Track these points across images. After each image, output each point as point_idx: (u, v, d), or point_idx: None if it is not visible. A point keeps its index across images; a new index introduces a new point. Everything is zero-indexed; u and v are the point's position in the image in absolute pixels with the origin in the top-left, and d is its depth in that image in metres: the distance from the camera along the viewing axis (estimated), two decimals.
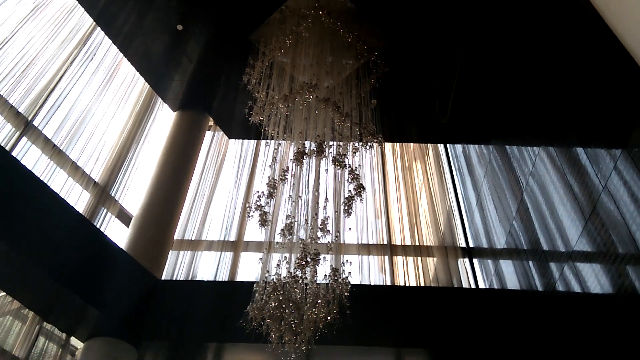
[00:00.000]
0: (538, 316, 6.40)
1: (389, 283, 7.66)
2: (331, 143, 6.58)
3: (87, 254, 6.31)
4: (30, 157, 6.42)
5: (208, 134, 9.64)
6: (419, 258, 7.92)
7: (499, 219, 7.62)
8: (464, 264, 7.89)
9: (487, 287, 7.66)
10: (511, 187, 7.21)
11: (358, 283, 7.36)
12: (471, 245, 8.27)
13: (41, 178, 6.24)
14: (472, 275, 7.88)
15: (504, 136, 7.65)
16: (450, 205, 9.01)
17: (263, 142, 6.81)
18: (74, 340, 6.48)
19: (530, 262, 6.76)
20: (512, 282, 7.18)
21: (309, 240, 5.58)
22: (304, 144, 6.39)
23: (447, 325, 6.66)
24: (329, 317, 5.10)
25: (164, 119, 9.22)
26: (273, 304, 5.11)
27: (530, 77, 6.69)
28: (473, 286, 7.75)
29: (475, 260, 8.08)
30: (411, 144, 10.07)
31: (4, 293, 5.83)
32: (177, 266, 7.65)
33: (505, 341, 6.47)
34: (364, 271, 7.73)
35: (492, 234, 7.87)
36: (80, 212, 6.73)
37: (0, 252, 5.45)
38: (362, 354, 6.81)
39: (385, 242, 8.18)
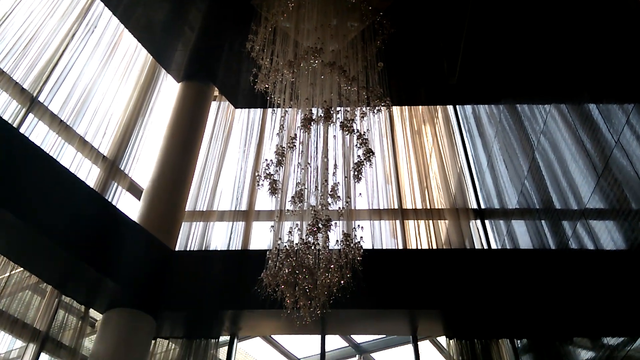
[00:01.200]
0: (551, 274, 6.41)
1: (401, 247, 7.67)
2: (338, 108, 6.49)
3: (100, 227, 6.36)
4: (38, 133, 6.41)
5: (214, 104, 9.55)
6: (431, 221, 7.90)
7: (510, 179, 7.56)
8: (476, 225, 7.87)
9: (500, 247, 7.66)
10: (522, 146, 7.12)
11: (370, 248, 7.38)
12: (483, 206, 8.24)
13: (50, 154, 6.25)
14: (484, 236, 7.87)
15: (514, 95, 7.52)
16: (460, 167, 8.95)
17: (269, 110, 6.73)
18: (93, 312, 6.60)
19: (543, 221, 6.73)
20: (525, 241, 7.17)
21: (320, 207, 5.56)
22: (311, 110, 6.31)
23: (461, 286, 6.67)
24: (342, 282, 5.11)
25: (169, 90, 9.14)
26: (286, 270, 5.13)
27: (540, 33, 6.52)
28: (485, 247, 7.74)
29: (487, 222, 8.06)
30: (420, 107, 9.93)
31: (22, 268, 5.90)
32: (190, 237, 7.70)
33: (519, 300, 6.49)
34: (376, 236, 7.75)
35: (503, 195, 7.82)
36: (91, 186, 6.75)
37: (14, 227, 5.50)
38: (377, 316, 6.88)
39: (396, 207, 8.16)
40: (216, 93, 9.66)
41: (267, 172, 5.87)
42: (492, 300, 6.54)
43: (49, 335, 6.01)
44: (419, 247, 7.71)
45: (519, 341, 6.80)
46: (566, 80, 5.89)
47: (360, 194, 6.37)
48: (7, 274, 5.73)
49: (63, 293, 6.31)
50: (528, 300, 6.45)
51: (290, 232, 5.48)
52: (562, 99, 5.99)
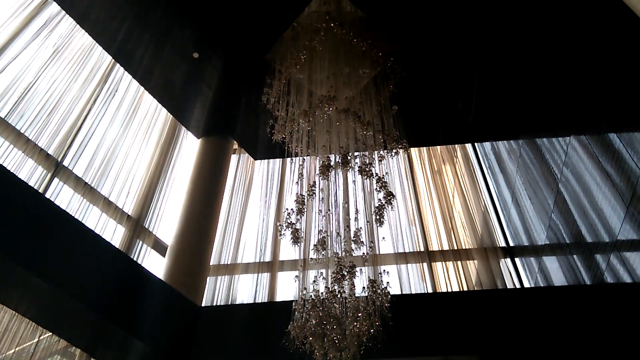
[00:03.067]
0: (588, 310, 6.16)
1: (430, 290, 7.49)
2: (356, 153, 6.52)
3: (127, 287, 6.38)
4: (63, 196, 6.56)
5: (234, 158, 9.69)
6: (459, 262, 7.74)
7: (537, 213, 7.41)
8: (506, 264, 7.67)
9: (533, 285, 7.43)
10: (546, 179, 7.01)
11: (398, 293, 7.23)
12: (511, 244, 8.05)
13: (76, 216, 6.36)
14: (515, 275, 7.65)
15: (533, 129, 7.47)
16: (485, 205, 8.82)
17: (288, 159, 6.80)
18: None
19: (575, 256, 6.54)
20: (558, 278, 6.94)
21: (344, 253, 5.50)
22: (329, 157, 6.35)
23: (496, 328, 6.45)
24: (372, 330, 4.99)
25: (190, 147, 9.34)
26: (314, 321, 5.04)
27: (554, 66, 6.53)
28: (518, 286, 7.52)
29: (517, 259, 7.86)
30: (438, 147, 9.92)
31: (50, 333, 5.91)
32: (216, 291, 7.67)
33: (557, 339, 6.23)
34: (404, 280, 7.60)
35: (531, 230, 7.65)
36: (117, 246, 6.83)
37: (43, 292, 5.55)
38: None
39: (422, 249, 8.02)
40: (235, 146, 9.82)
41: (289, 222, 5.86)
42: (529, 340, 6.29)
43: None
44: (449, 290, 7.52)
45: None
46: (584, 111, 5.84)
47: (383, 237, 6.31)
48: (36, 340, 5.73)
49: (92, 356, 6.28)
50: (567, 338, 6.19)
51: (314, 281, 5.42)
52: (581, 130, 5.93)
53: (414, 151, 9.79)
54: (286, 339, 4.90)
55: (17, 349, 5.54)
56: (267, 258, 8.10)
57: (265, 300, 7.59)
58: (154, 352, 6.36)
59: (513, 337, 6.34)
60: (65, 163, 6.78)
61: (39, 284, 5.47)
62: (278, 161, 9.72)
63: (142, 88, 8.57)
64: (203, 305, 7.38)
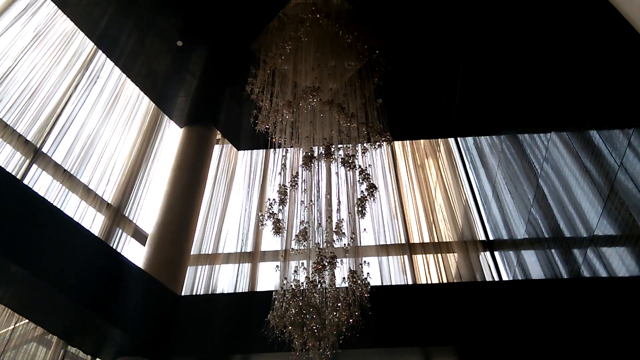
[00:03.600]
0: (565, 304, 6.26)
1: (410, 282, 7.54)
2: (339, 145, 6.53)
3: (106, 275, 6.32)
4: (42, 183, 6.46)
5: (217, 148, 9.65)
6: (439, 255, 7.81)
7: (517, 208, 7.50)
8: (485, 257, 7.76)
9: (511, 278, 7.53)
10: (526, 174, 7.09)
11: (379, 284, 7.28)
12: (491, 237, 8.15)
13: (54, 203, 6.28)
14: (494, 268, 7.75)
15: (515, 124, 7.54)
16: (466, 198, 8.90)
17: (271, 150, 6.78)
18: None
19: (553, 250, 6.63)
20: (536, 271, 7.04)
21: (325, 244, 5.52)
22: (312, 148, 6.35)
23: (474, 320, 6.52)
24: (351, 320, 5.01)
25: (172, 136, 9.26)
26: (293, 311, 5.05)
27: (537, 62, 6.59)
28: (497, 279, 7.61)
29: (496, 253, 7.96)
30: (422, 141, 9.98)
31: (27, 320, 5.84)
32: (196, 281, 7.64)
33: (534, 332, 6.32)
34: (384, 272, 7.65)
35: (511, 225, 7.75)
36: (96, 234, 6.75)
37: (20, 278, 5.47)
38: (389, 355, 6.69)
39: (404, 241, 8.08)
40: (219, 136, 9.76)
41: (271, 212, 5.86)
42: (507, 332, 6.37)
43: None
44: (429, 282, 7.58)
45: None
46: (566, 107, 5.91)
47: (365, 229, 6.33)
48: (12, 327, 5.66)
49: (69, 343, 6.22)
50: (544, 331, 6.28)
51: (295, 271, 5.42)
52: (562, 126, 6.00)
53: (397, 144, 9.84)
54: (265, 328, 4.89)
55: None
56: (249, 248, 8.09)
57: (246, 290, 7.58)
58: (133, 340, 6.32)
59: (490, 328, 6.41)
60: (45, 149, 6.67)
61: (15, 271, 5.39)
62: (261, 152, 9.70)
63: (124, 75, 8.47)
64: (183, 294, 7.35)
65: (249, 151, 9.83)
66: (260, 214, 5.93)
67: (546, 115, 6.46)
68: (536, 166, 6.72)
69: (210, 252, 8.03)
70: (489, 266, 7.67)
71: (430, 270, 7.66)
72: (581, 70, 5.53)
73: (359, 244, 5.98)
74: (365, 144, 6.62)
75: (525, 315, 6.41)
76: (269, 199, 5.93)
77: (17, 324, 5.74)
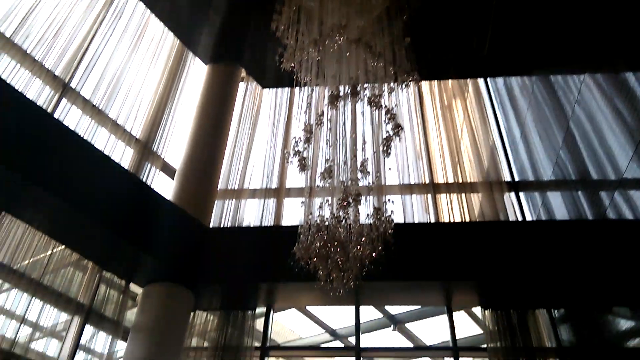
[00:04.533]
0: (589, 245, 6.29)
1: (433, 221, 7.61)
2: (365, 85, 6.44)
3: (136, 206, 6.55)
4: (72, 117, 6.57)
5: (242, 85, 9.61)
6: (463, 195, 7.79)
7: (544, 150, 7.41)
8: (510, 198, 7.73)
9: (535, 219, 7.54)
10: (557, 117, 6.96)
11: (402, 222, 7.37)
12: (517, 178, 8.09)
13: (85, 137, 6.42)
14: (518, 208, 7.74)
15: (547, 65, 7.33)
16: (493, 140, 8.79)
17: (297, 88, 6.73)
18: (133, 286, 6.81)
19: (579, 192, 6.60)
20: (561, 213, 7.04)
21: (349, 182, 5.56)
22: (338, 87, 6.28)
23: (496, 258, 6.62)
24: (374, 254, 5.12)
25: (198, 72, 9.23)
26: (318, 244, 5.17)
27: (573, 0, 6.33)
28: (520, 219, 7.61)
29: (521, 194, 7.93)
30: (450, 81, 9.76)
31: (64, 246, 6.12)
32: (223, 214, 7.83)
33: (556, 271, 6.40)
34: (407, 210, 7.71)
35: (538, 167, 7.68)
36: (126, 167, 6.92)
37: (57, 208, 5.71)
38: (411, 288, 6.90)
39: (428, 181, 8.08)
40: (244, 74, 9.71)
41: (296, 150, 5.90)
42: (528, 271, 6.47)
43: (93, 309, 6.24)
44: (452, 221, 7.63)
45: (556, 311, 6.71)
46: (600, 48, 5.72)
47: (390, 168, 6.34)
48: (49, 252, 5.94)
49: (104, 269, 6.52)
50: (565, 270, 6.36)
51: (320, 207, 5.51)
52: (596, 67, 5.83)
53: (424, 84, 9.66)
54: (291, 259, 5.05)
55: (31, 260, 5.75)
56: (274, 185, 8.21)
57: (272, 224, 7.76)
58: (163, 268, 6.62)
59: (511, 266, 6.51)
60: (73, 85, 6.74)
61: (51, 201, 5.63)
62: (286, 90, 9.65)
63: (148, 11, 8.39)
64: (211, 226, 7.57)
65: (274, 89, 9.79)
66: (285, 151, 5.97)
67: (580, 56, 6.27)
68: (567, 108, 6.58)
69: (236, 188, 8.18)
70: (513, 207, 7.65)
71: (453, 210, 7.69)
72: (618, 10, 5.30)
73: (383, 183, 6.01)
74: (392, 84, 6.51)
75: (548, 254, 6.48)
76: (295, 137, 5.95)
77: (55, 250, 6.01)
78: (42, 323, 5.72)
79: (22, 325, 5.42)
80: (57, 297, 5.90)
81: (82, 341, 6.09)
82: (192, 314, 6.97)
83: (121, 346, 6.46)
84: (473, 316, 8.19)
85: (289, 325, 9.38)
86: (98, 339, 6.30)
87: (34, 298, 5.62)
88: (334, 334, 8.72)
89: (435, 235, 7.08)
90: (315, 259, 5.14)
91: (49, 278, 5.86)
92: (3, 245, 5.53)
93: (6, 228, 5.61)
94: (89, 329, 6.21)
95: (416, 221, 7.52)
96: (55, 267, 6.00)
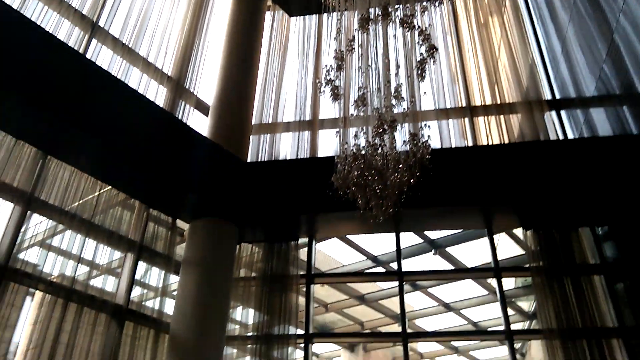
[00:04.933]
0: (633, 159, 6.10)
1: (471, 144, 7.47)
2: (397, 5, 6.17)
3: (175, 144, 6.66)
4: (104, 57, 6.58)
5: (268, 15, 9.36)
6: (502, 116, 7.57)
7: (587, 65, 7.07)
8: (550, 117, 7.47)
9: (577, 137, 7.31)
10: (600, 29, 6.57)
11: (439, 147, 7.28)
12: (558, 96, 7.77)
13: (118, 77, 6.46)
14: (560, 127, 7.49)
15: None
16: (532, 57, 8.39)
17: (325, 14, 6.52)
18: (180, 223, 7.07)
19: (624, 106, 6.33)
20: (605, 129, 6.80)
21: (384, 109, 5.47)
22: (368, 9, 6.05)
23: (537, 179, 6.52)
24: (412, 180, 5.11)
25: (223, 5, 9.00)
26: (356, 173, 5.19)
27: None
28: (562, 138, 7.39)
29: (562, 112, 7.65)
30: None
31: (109, 187, 6.33)
32: (259, 149, 7.90)
33: (599, 188, 6.28)
34: (444, 136, 7.59)
35: (580, 82, 7.36)
36: (161, 105, 6.99)
37: (97, 149, 5.88)
38: (450, 213, 6.91)
39: (465, 104, 7.87)
40: (269, 3, 9.44)
41: (328, 79, 5.79)
42: (570, 190, 6.37)
43: (144, 245, 6.53)
44: (491, 144, 7.46)
45: (599, 229, 6.64)
46: None
47: (424, 92, 6.17)
48: (97, 193, 6.17)
49: (150, 206, 6.76)
50: (609, 187, 6.23)
51: (356, 135, 5.48)
52: None
53: (459, 2, 9.19)
54: (329, 189, 5.10)
55: (80, 202, 5.99)
56: (307, 117, 8.17)
57: (307, 156, 7.80)
58: (207, 204, 6.82)
59: (552, 186, 6.41)
60: (101, 23, 6.69)
61: (91, 143, 5.78)
62: (314, 17, 9.37)
63: None
64: (248, 161, 7.68)
65: (302, 17, 9.51)
66: (317, 81, 5.87)
67: None
68: (611, 19, 6.18)
69: (270, 121, 8.18)
70: (554, 125, 7.41)
71: (491, 132, 7.50)
72: None
73: (418, 108, 5.90)
74: (424, 3, 6.22)
75: (591, 173, 6.34)
76: (326, 66, 5.83)
77: (102, 191, 6.23)
78: (98, 261, 6.03)
79: (79, 264, 5.73)
80: (109, 236, 6.17)
81: (137, 276, 6.42)
82: (237, 246, 7.23)
83: (174, 279, 6.80)
84: (514, 238, 8.22)
85: (331, 254, 9.66)
86: (152, 274, 6.64)
87: (87, 238, 5.90)
88: (376, 261, 8.92)
89: (473, 158, 6.98)
90: (353, 188, 5.18)
91: (99, 218, 6.11)
92: (52, 188, 5.75)
93: (53, 171, 5.81)
94: (142, 265, 6.54)
95: (453, 146, 7.41)
96: (104, 208, 6.23)
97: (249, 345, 6.69)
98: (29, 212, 5.49)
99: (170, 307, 6.49)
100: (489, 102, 7.81)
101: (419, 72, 5.69)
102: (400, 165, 5.25)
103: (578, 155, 6.59)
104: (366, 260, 9.00)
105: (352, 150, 5.36)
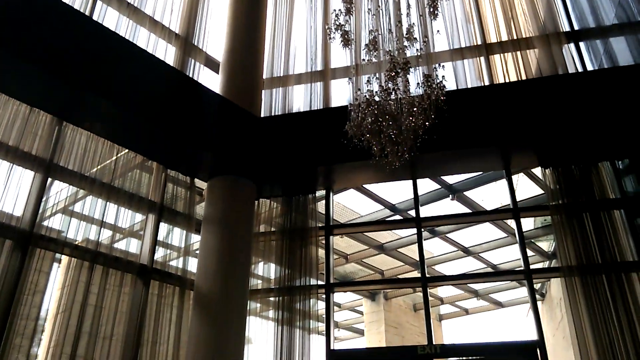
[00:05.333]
0: None
1: (487, 84, 7.28)
2: None
3: (187, 103, 6.62)
4: (110, 19, 6.48)
5: None
6: (519, 53, 7.30)
7: None
8: (569, 49, 7.19)
9: (597, 68, 7.06)
10: None
11: (454, 88, 7.12)
12: (576, 27, 7.46)
13: (126, 37, 6.38)
14: (579, 59, 7.22)
15: None
16: None
17: None
18: (198, 182, 7.13)
19: None
20: (625, 58, 6.56)
21: (396, 51, 5.33)
22: None
23: (555, 115, 6.36)
24: (427, 123, 5.02)
25: None
26: (369, 120, 5.11)
27: None
28: (581, 71, 7.15)
29: (581, 44, 7.36)
30: None
31: (127, 150, 6.37)
32: (272, 103, 7.83)
33: (620, 120, 6.11)
34: (460, 76, 7.40)
35: (599, 10, 7.07)
36: (171, 64, 6.91)
37: (111, 112, 5.87)
38: (467, 156, 6.82)
39: (480, 42, 7.61)
40: None
41: (338, 23, 5.63)
42: (590, 124, 6.21)
43: (164, 206, 6.62)
44: (507, 81, 7.26)
45: (620, 162, 6.50)
46: None
47: (438, 31, 5.98)
48: (114, 157, 6.20)
49: (168, 167, 6.80)
50: (630, 118, 6.06)
51: (368, 81, 5.37)
52: None
53: None
54: (344, 138, 5.04)
55: (99, 167, 6.04)
56: (319, 67, 8.01)
57: (321, 107, 7.71)
58: (222, 161, 6.83)
59: (571, 121, 6.26)
60: None
61: (104, 106, 5.77)
62: None
63: None
64: (262, 116, 7.62)
65: None
66: (327, 27, 5.72)
67: None
68: None
69: (281, 75, 8.06)
70: (573, 58, 7.13)
71: (508, 69, 7.27)
72: None
73: (432, 49, 5.73)
74: None
75: (611, 105, 6.16)
76: (334, 10, 5.66)
77: (119, 154, 6.27)
78: (121, 224, 6.13)
79: (103, 228, 5.83)
80: (130, 199, 6.25)
81: (160, 237, 6.53)
82: (256, 202, 7.28)
83: (195, 239, 6.90)
84: (533, 177, 8.11)
85: (350, 205, 9.68)
86: (174, 235, 6.75)
87: (108, 202, 5.97)
88: (394, 209, 8.92)
89: (489, 98, 6.81)
90: (368, 135, 5.12)
91: (118, 182, 6.17)
92: (70, 155, 5.79)
93: (70, 137, 5.85)
94: (164, 226, 6.63)
95: (469, 86, 7.23)
96: (123, 171, 6.29)
97: (272, 299, 6.82)
98: (49, 179, 5.56)
99: (194, 265, 6.62)
100: (505, 37, 7.55)
101: (432, 10, 5.51)
102: (415, 109, 5.16)
103: (598, 87, 6.38)
104: (384, 209, 9.00)
105: (365, 96, 5.27)
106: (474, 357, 6.40)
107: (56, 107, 5.71)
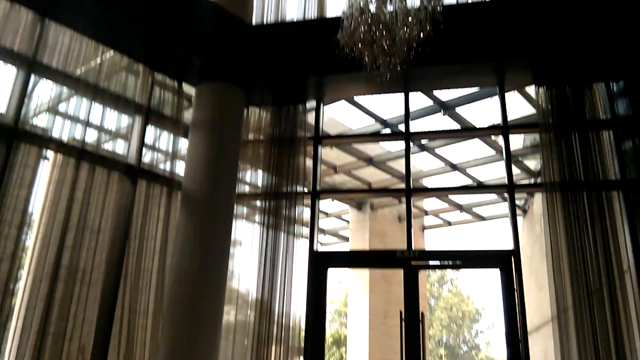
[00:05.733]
0: None
1: None
2: None
3: (176, 7, 6.38)
4: None
5: None
6: None
7: None
8: None
9: None
10: None
11: (453, 3, 6.88)
12: None
13: None
14: None
15: None
16: None
17: None
18: (186, 88, 7.00)
19: None
20: None
21: None
22: None
23: (551, 32, 6.25)
24: (422, 35, 4.88)
25: None
26: (363, 29, 4.96)
27: None
28: None
29: None
30: None
31: (112, 51, 6.18)
32: (264, 11, 7.56)
33: (617, 38, 5.99)
34: None
35: None
36: None
37: (96, 9, 5.66)
38: (460, 71, 6.74)
39: None
40: None
41: None
42: (587, 41, 6.11)
43: (151, 109, 6.55)
44: None
45: (614, 84, 6.45)
46: None
47: None
48: (99, 59, 6.04)
49: (155, 69, 6.65)
50: (630, 37, 5.94)
51: None
52: None
53: None
54: (336, 48, 4.91)
55: (83, 68, 5.88)
56: None
57: (315, 17, 7.47)
58: (211, 66, 6.70)
59: (567, 39, 6.17)
60: None
61: (90, 4, 5.54)
62: None
63: None
64: (254, 23, 7.38)
65: None
66: None
67: None
68: None
69: None
70: None
71: None
72: None
73: None
74: None
75: (612, 21, 6.02)
76: None
77: (104, 56, 6.08)
78: (107, 125, 6.08)
79: (88, 127, 5.79)
80: (116, 100, 6.16)
81: (147, 141, 6.51)
82: (245, 110, 7.21)
83: (184, 144, 6.90)
84: (527, 96, 8.07)
85: (341, 119, 9.63)
86: (161, 139, 6.72)
87: (93, 102, 5.89)
88: (385, 124, 8.91)
89: (487, 14, 6.61)
90: (360, 45, 4.99)
91: (104, 84, 6.05)
92: (53, 54, 5.62)
93: (53, 36, 5.64)
94: (151, 130, 6.60)
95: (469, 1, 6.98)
96: (108, 73, 6.14)
97: (258, 203, 6.94)
98: (33, 76, 5.42)
99: (182, 169, 6.67)
100: None
101: None
102: (410, 19, 5.00)
103: (597, 2, 6.20)
104: (375, 124, 8.98)
105: (359, 3, 5.08)
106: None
107: (38, 2, 5.45)
